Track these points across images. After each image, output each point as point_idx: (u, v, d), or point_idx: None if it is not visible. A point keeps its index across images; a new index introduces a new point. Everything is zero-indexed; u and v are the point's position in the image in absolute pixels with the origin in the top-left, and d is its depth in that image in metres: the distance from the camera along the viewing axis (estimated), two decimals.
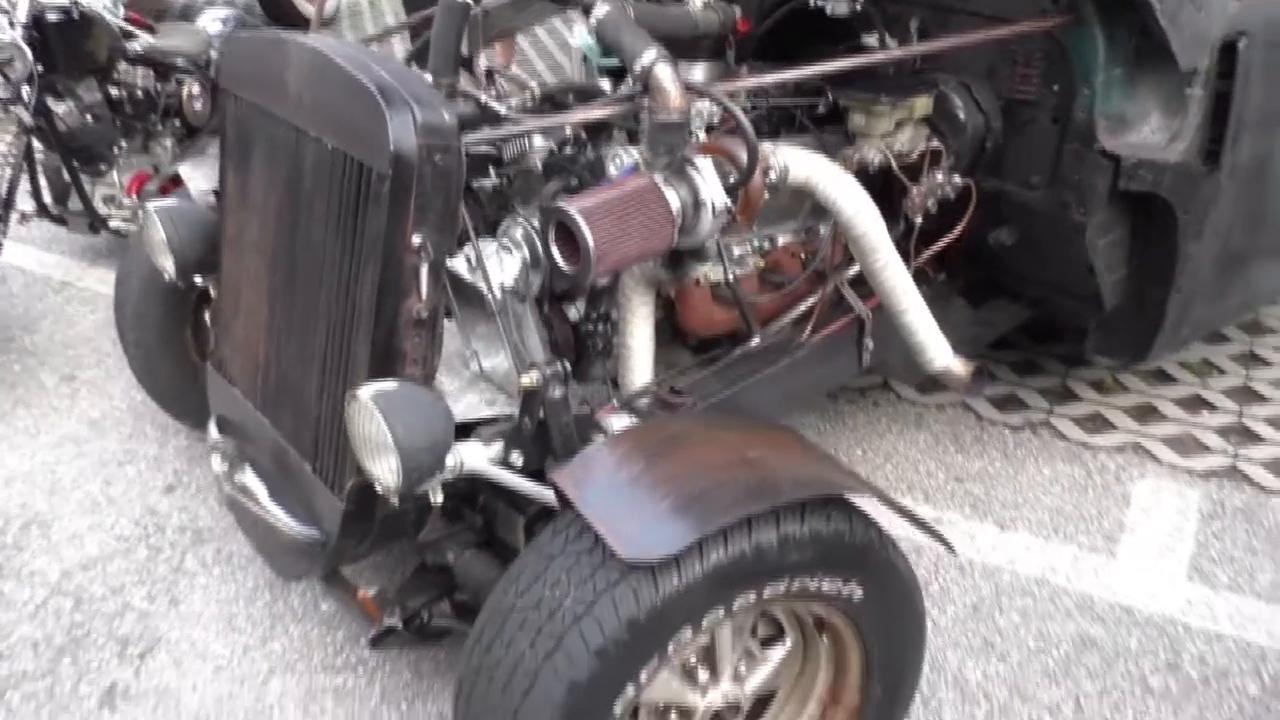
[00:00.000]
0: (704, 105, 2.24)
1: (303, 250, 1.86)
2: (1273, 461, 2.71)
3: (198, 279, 2.27)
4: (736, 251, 2.16)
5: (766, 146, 1.91)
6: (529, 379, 1.72)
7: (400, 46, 5.31)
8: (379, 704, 2.12)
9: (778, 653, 1.69)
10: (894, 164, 2.04)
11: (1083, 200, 2.15)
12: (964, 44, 2.08)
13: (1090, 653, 2.17)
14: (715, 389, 2.12)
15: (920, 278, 2.45)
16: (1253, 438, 2.81)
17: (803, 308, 2.25)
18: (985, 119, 2.17)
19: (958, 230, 2.22)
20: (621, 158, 1.83)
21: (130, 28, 3.60)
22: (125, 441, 2.93)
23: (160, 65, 3.68)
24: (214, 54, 3.76)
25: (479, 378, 2.03)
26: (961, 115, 2.14)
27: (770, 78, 2.01)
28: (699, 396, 2.11)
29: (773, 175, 1.85)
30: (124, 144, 3.56)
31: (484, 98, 1.99)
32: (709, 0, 2.12)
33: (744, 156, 1.77)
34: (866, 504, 1.59)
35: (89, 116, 3.45)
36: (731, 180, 1.76)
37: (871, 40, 2.41)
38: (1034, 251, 2.38)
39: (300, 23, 6.36)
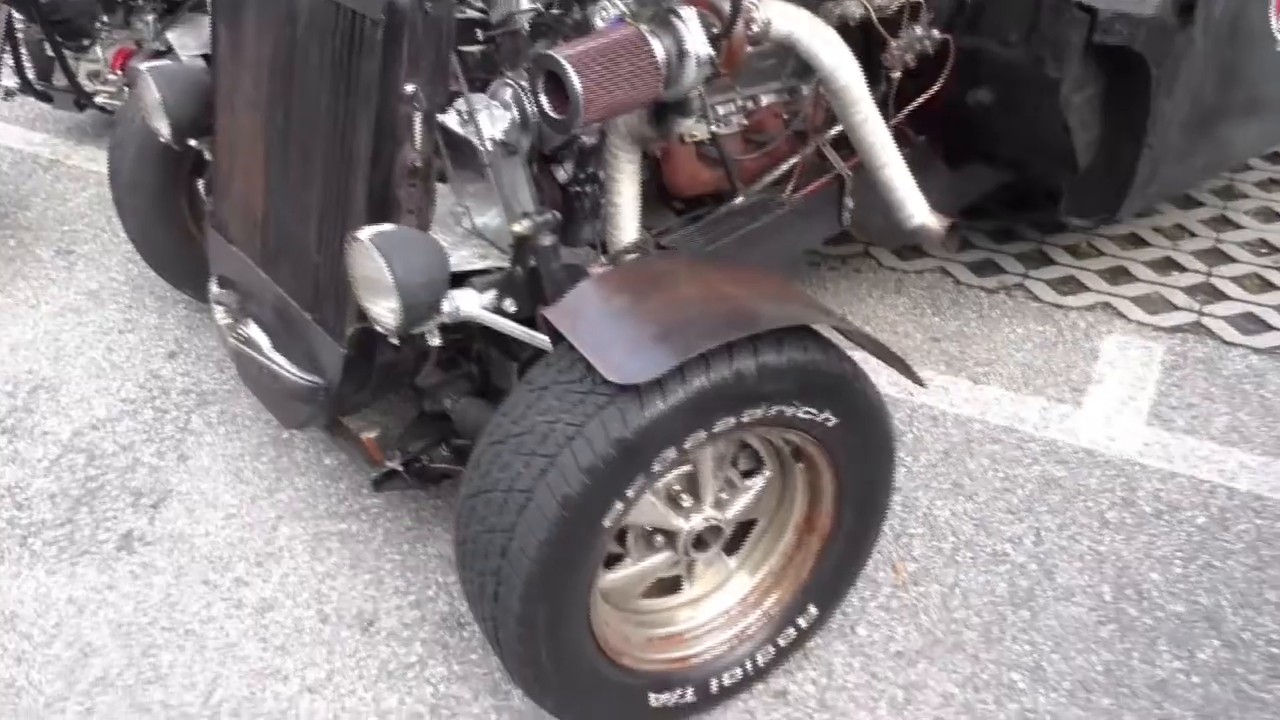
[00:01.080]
0: None
1: (298, 102, 1.91)
2: (1235, 317, 2.82)
3: (193, 142, 2.31)
4: (721, 110, 2.21)
5: (752, 3, 1.94)
6: (519, 226, 1.79)
7: None
8: (382, 545, 2.25)
9: (757, 482, 1.80)
10: (874, 16, 2.08)
11: (1058, 56, 2.20)
12: None
13: (1052, 491, 2.31)
14: (699, 244, 2.20)
15: (900, 139, 2.50)
16: (1218, 295, 2.92)
17: (785, 167, 2.31)
18: None
19: (936, 86, 2.26)
20: (608, 10, 1.86)
21: None
22: (125, 311, 3.00)
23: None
24: None
25: (471, 234, 2.10)
26: None
27: None
28: (690, 249, 2.18)
29: (754, 28, 1.88)
30: (105, 18, 3.53)
31: None
32: None
33: (727, 8, 1.81)
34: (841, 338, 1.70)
35: None
36: (715, 32, 1.80)
37: None
38: (1011, 111, 2.43)
39: None
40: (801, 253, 2.82)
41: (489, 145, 1.88)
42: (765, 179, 2.33)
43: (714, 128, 1.95)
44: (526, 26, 2.22)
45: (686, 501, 1.73)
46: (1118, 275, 3.02)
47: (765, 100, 2.25)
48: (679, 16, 1.77)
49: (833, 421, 1.65)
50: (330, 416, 2.11)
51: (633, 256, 2.14)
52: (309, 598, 2.14)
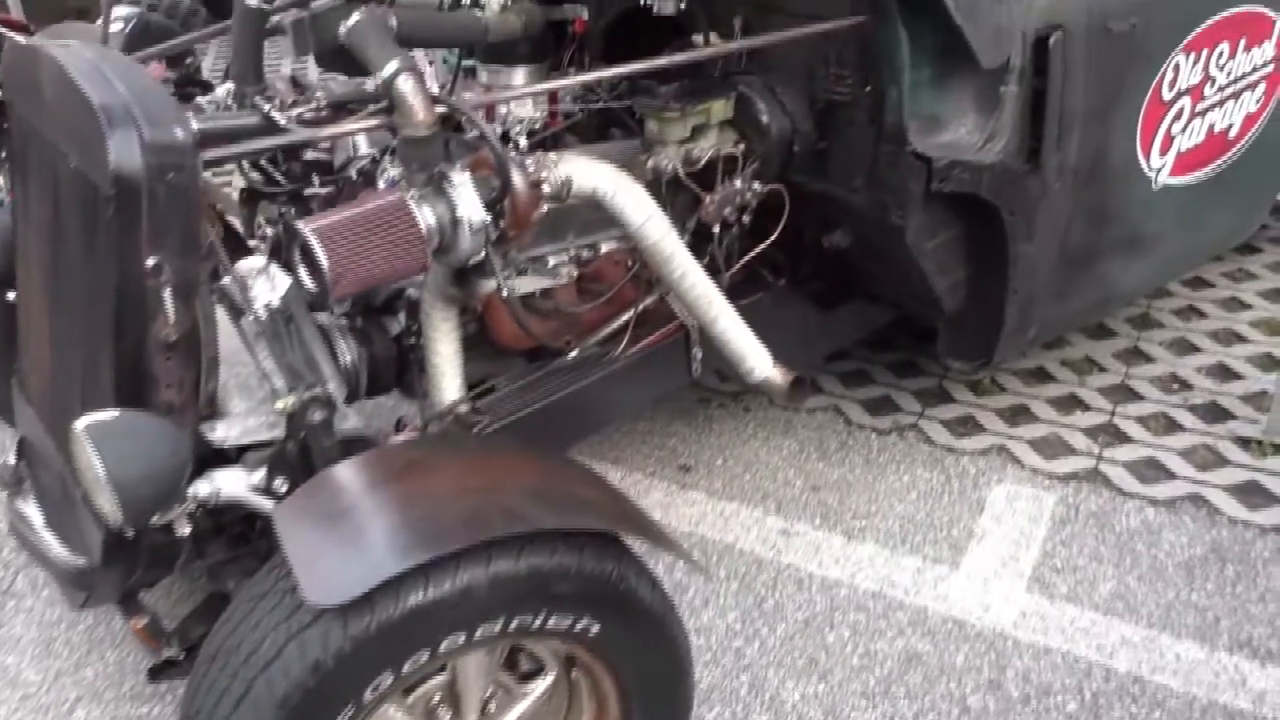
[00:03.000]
0: (526, 112, 2.21)
1: (63, 270, 1.80)
2: (1135, 462, 2.65)
3: (10, 295, 2.21)
4: (551, 261, 2.10)
5: (550, 157, 1.84)
6: (284, 403, 1.67)
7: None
8: None
9: (538, 687, 1.63)
10: (681, 173, 1.96)
11: (900, 204, 2.09)
12: (767, 44, 2.01)
13: (914, 670, 2.11)
14: (521, 405, 2.06)
15: (755, 283, 2.39)
16: (1120, 437, 2.75)
17: (625, 317, 2.19)
18: (792, 121, 2.09)
19: (769, 240, 2.15)
20: (388, 171, 1.76)
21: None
22: None
23: None
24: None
25: (272, 396, 1.97)
26: (764, 118, 2.07)
27: (563, 82, 1.94)
28: (505, 413, 2.05)
29: (547, 188, 1.78)
30: None
31: (268, 108, 1.92)
32: (508, 3, 2.04)
33: (513, 165, 1.70)
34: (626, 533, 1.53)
35: None
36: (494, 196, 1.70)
37: (700, 39, 2.33)
38: (868, 254, 2.32)
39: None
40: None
41: (260, 314, 1.76)
42: (606, 329, 2.21)
43: (505, 292, 1.83)
44: (355, 174, 2.15)
45: (445, 716, 1.55)
46: (1017, 415, 2.86)
47: (605, 247, 2.15)
48: (450, 182, 1.67)
49: (596, 629, 1.47)
50: (114, 596, 1.95)
51: (445, 420, 2.02)
52: None
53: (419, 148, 1.62)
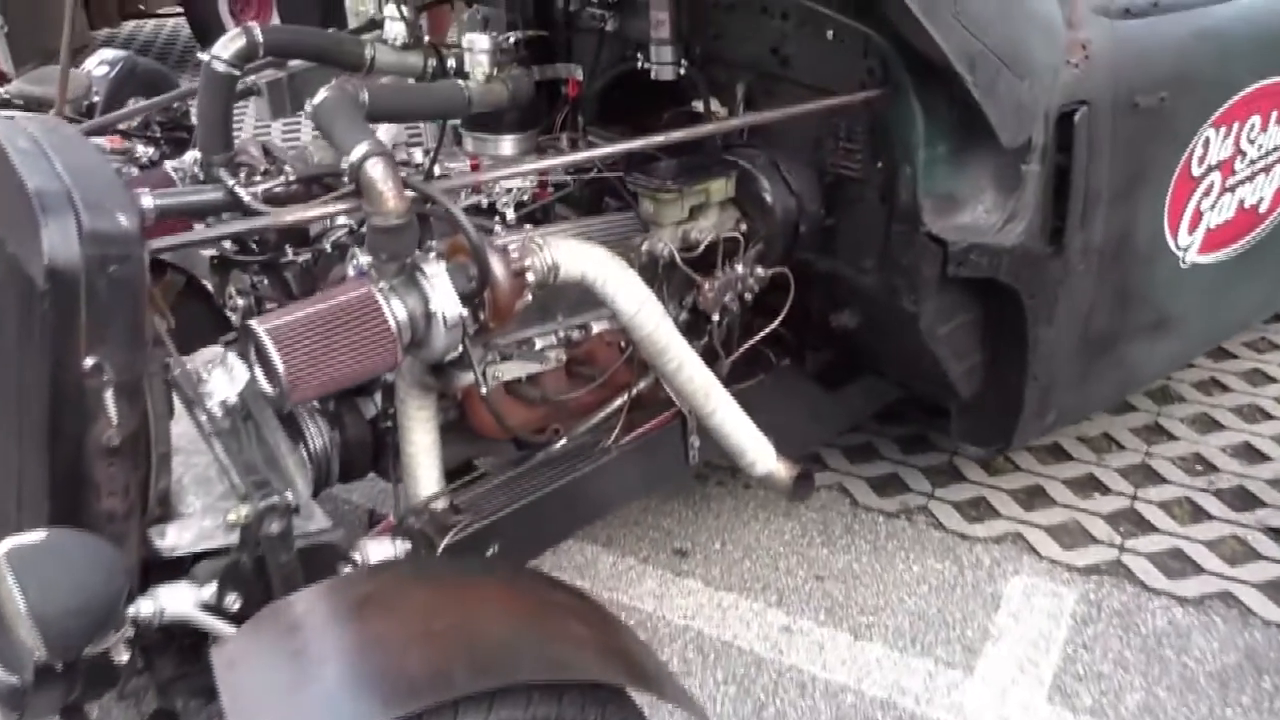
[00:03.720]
0: (515, 182, 2.07)
1: (0, 365, 1.65)
2: (1160, 554, 2.49)
3: None
4: (539, 343, 1.96)
5: (536, 240, 1.70)
6: (236, 514, 1.51)
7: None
8: None
9: None
10: (678, 258, 1.82)
11: (913, 287, 1.94)
12: (774, 119, 1.87)
13: None
14: (504, 502, 1.90)
15: (760, 363, 2.24)
16: (1143, 525, 2.59)
17: (617, 403, 2.03)
18: (798, 200, 1.95)
19: (773, 325, 2.00)
20: (357, 258, 1.62)
21: None
22: None
23: (24, 110, 3.48)
24: (95, 98, 3.57)
25: (232, 492, 1.82)
26: (768, 197, 1.93)
27: (551, 161, 1.80)
28: (487, 511, 1.89)
29: (531, 276, 1.63)
30: None
31: (233, 183, 1.78)
32: (493, 72, 1.91)
33: (493, 254, 1.56)
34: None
35: None
36: (473, 286, 1.55)
37: (700, 107, 2.20)
38: (878, 335, 2.17)
39: None
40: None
41: (215, 411, 1.61)
42: (598, 415, 2.06)
43: (483, 388, 1.68)
44: (329, 247, 2.01)
45: None
46: (1034, 497, 2.70)
47: (597, 327, 2.00)
48: (424, 273, 1.52)
49: None
50: (52, 712, 1.78)
51: (421, 518, 1.86)
52: None
53: (389, 237, 1.48)
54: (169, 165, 2.13)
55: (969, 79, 1.72)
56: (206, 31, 6.68)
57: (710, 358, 1.97)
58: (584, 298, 1.91)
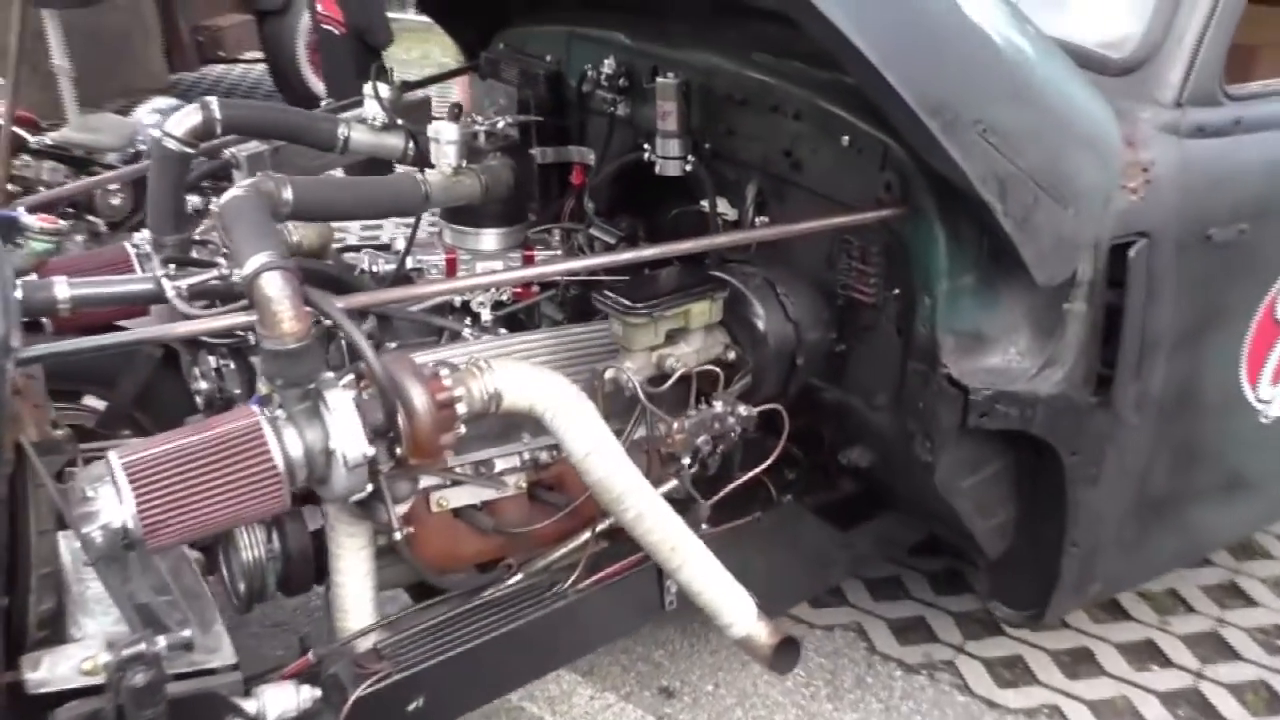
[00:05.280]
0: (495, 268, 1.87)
1: None
2: None
3: None
4: (499, 465, 1.74)
5: (481, 363, 1.48)
6: (92, 663, 1.32)
7: None
8: None
9: None
10: (640, 393, 1.57)
11: (929, 435, 1.67)
12: (774, 236, 1.62)
13: None
14: (436, 649, 1.67)
15: (757, 500, 1.98)
16: (1208, 711, 2.22)
17: (584, 537, 1.79)
18: (795, 328, 1.69)
19: (761, 468, 1.74)
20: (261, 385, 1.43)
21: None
22: None
23: (72, 159, 3.45)
24: (141, 145, 3.53)
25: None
26: (760, 324, 1.67)
27: (522, 273, 1.59)
28: (414, 659, 1.66)
29: (463, 408, 1.41)
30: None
31: (161, 273, 1.61)
32: (462, 164, 1.72)
33: (413, 384, 1.35)
34: None
35: None
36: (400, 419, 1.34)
37: (710, 205, 1.98)
38: (895, 476, 1.89)
39: (306, 96, 6.25)
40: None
41: (95, 536, 1.42)
42: (561, 549, 1.81)
43: (397, 534, 1.46)
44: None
45: None
46: (1080, 662, 2.36)
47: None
48: (326, 405, 1.31)
49: None
50: None
51: (340, 664, 1.64)
52: None
53: (285, 361, 1.27)
54: (131, 241, 1.99)
55: (998, 207, 1.45)
56: (286, 78, 6.75)
57: (689, 500, 1.72)
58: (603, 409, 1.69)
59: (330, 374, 1.33)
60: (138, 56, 6.31)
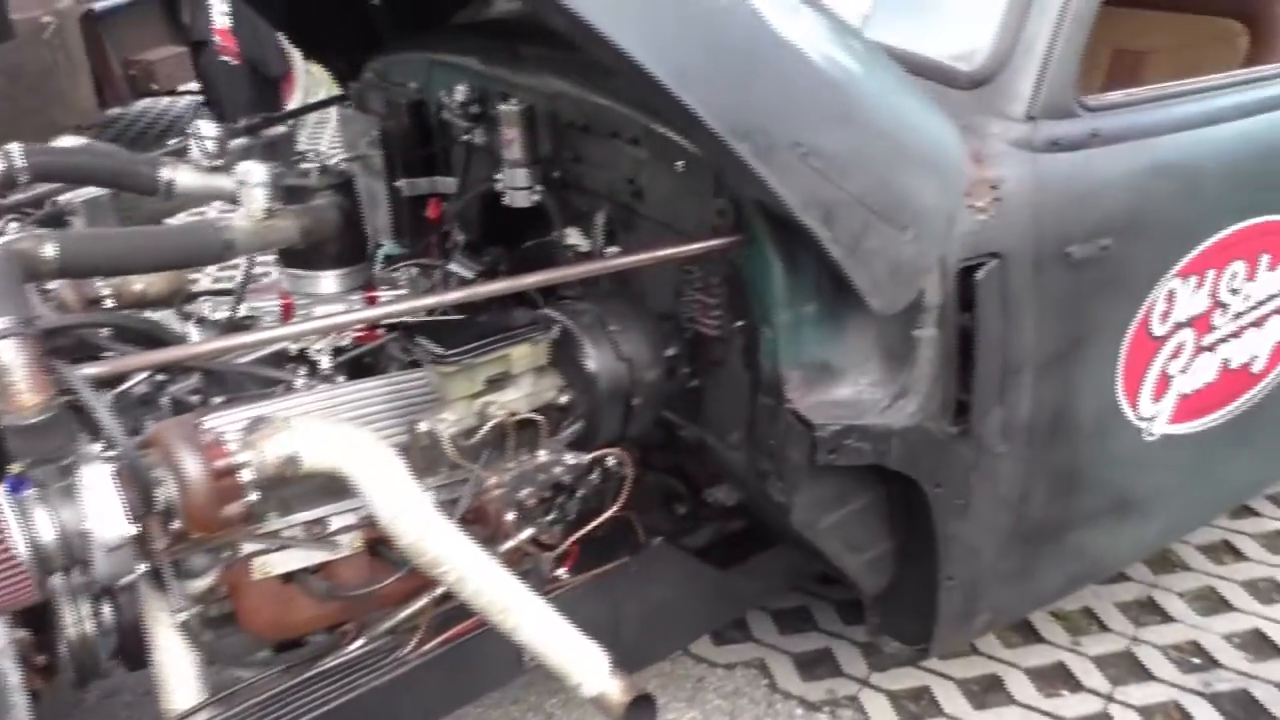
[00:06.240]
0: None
1: None
2: None
3: None
4: (334, 524, 1.63)
5: (277, 421, 1.37)
6: None
7: None
8: None
9: None
10: (447, 449, 1.47)
11: (781, 474, 1.57)
12: (615, 268, 1.52)
13: None
14: None
15: (621, 541, 1.88)
16: None
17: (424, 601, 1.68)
18: (629, 367, 1.59)
19: (610, 512, 1.64)
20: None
21: None
22: None
23: None
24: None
25: None
26: (590, 364, 1.57)
27: (347, 317, 1.48)
28: None
29: (248, 474, 1.31)
30: None
31: None
32: (274, 207, 1.61)
33: (185, 452, 1.24)
34: None
35: None
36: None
37: (568, 233, 1.88)
38: (764, 516, 1.80)
39: None
40: None
41: None
42: (406, 611, 1.71)
43: (183, 613, 1.35)
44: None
45: None
46: (988, 691, 2.27)
47: None
48: (80, 481, 1.21)
49: None
50: None
51: None
52: None
53: (28, 437, 1.17)
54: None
55: (824, 234, 1.36)
56: (221, 109, 6.61)
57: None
58: (420, 465, 1.59)
59: (94, 446, 1.22)
60: (65, 92, 6.16)
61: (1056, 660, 2.34)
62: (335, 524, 1.63)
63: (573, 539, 1.65)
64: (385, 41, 2.43)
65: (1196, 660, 2.33)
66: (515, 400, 1.54)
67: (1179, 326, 1.81)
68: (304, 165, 1.74)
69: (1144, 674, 2.29)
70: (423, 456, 1.49)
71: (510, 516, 1.52)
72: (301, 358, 1.75)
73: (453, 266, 2.01)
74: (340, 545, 1.63)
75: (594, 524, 1.64)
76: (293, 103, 4.32)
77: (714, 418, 1.70)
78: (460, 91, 1.99)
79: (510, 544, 1.60)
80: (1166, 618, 2.45)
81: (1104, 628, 2.43)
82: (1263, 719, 2.16)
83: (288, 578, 1.61)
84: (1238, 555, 2.65)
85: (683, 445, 1.78)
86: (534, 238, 1.99)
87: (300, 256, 1.76)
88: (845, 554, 1.72)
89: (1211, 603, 2.49)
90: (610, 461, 1.60)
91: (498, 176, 1.90)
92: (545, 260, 1.89)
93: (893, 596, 1.90)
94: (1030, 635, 2.40)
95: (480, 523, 1.53)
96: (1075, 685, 2.27)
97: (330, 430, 1.38)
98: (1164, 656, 2.34)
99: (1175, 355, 1.83)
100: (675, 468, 2.02)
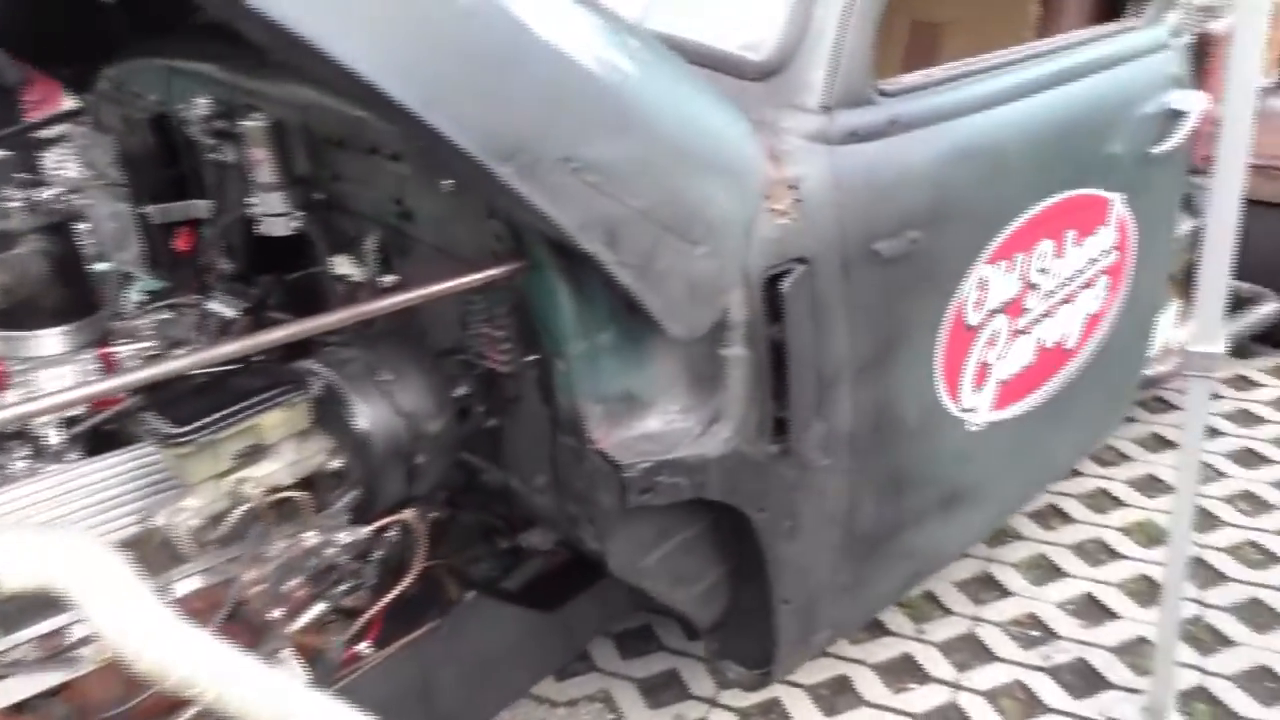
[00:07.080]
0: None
1: None
2: None
3: None
4: (77, 634, 1.37)
5: None
6: None
7: None
8: None
9: None
10: (189, 544, 1.25)
11: (591, 519, 1.42)
12: (382, 310, 1.32)
13: None
14: None
15: (433, 598, 1.69)
16: None
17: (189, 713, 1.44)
18: (409, 422, 1.39)
19: (404, 584, 1.45)
20: None
21: None
22: None
23: None
24: None
25: None
26: (362, 423, 1.36)
27: (75, 393, 1.21)
28: None
29: None
30: None
31: None
32: None
33: None
34: None
35: None
36: None
37: (336, 262, 1.66)
38: (585, 555, 1.64)
39: None
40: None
41: None
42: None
43: None
44: None
45: None
46: (838, 693, 2.20)
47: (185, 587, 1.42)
48: None
49: None
50: None
51: None
52: None
53: None
54: None
55: (609, 257, 1.20)
56: None
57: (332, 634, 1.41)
58: (163, 561, 1.35)
59: None
60: None
61: (903, 652, 2.29)
62: (79, 633, 1.38)
63: (368, 614, 1.44)
64: (117, 47, 2.12)
65: (1035, 633, 2.33)
66: (275, 473, 1.32)
67: (993, 314, 1.75)
68: (4, 205, 1.45)
69: (987, 655, 2.27)
70: (166, 552, 1.25)
71: (276, 614, 1.30)
72: (19, 435, 1.47)
73: (213, 305, 1.76)
74: (83, 659, 1.37)
75: (387, 598, 1.43)
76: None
77: (516, 460, 1.53)
78: (201, 104, 1.73)
79: (293, 628, 1.39)
80: (1004, 592, 2.45)
81: (946, 611, 2.40)
82: (1100, 686, 2.17)
83: (18, 708, 1.35)
84: (1065, 518, 2.68)
85: (487, 489, 1.60)
86: (304, 266, 1.76)
87: (9, 315, 1.48)
88: (673, 590, 1.59)
89: (1044, 570, 2.51)
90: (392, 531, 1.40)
91: (252, 201, 1.66)
92: (314, 293, 1.67)
93: (730, 622, 1.78)
94: (875, 628, 2.35)
95: (244, 621, 1.31)
96: (923, 677, 2.23)
97: (32, 539, 1.13)
98: (1005, 634, 2.33)
99: (991, 343, 1.78)
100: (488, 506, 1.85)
